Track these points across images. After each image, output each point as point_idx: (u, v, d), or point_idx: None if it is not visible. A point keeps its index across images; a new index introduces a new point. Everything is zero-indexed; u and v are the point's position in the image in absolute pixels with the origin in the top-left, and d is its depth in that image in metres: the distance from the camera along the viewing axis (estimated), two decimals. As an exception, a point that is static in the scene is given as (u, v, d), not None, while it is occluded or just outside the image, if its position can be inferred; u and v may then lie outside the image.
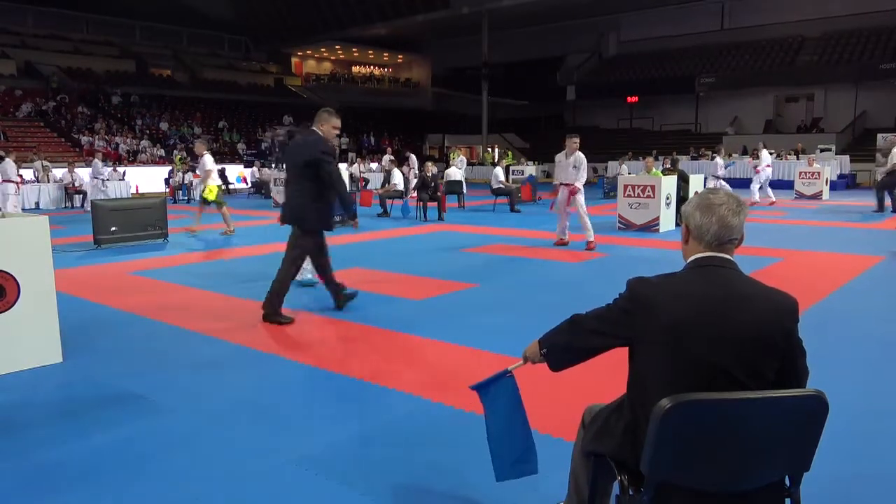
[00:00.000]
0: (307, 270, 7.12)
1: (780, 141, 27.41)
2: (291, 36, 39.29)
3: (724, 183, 14.91)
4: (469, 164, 31.94)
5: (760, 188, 16.15)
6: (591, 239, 9.35)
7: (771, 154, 21.56)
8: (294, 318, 5.57)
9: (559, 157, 9.68)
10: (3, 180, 14.22)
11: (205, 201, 11.37)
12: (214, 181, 11.38)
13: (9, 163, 14.40)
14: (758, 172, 16.18)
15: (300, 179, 5.50)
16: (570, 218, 9.69)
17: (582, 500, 2.16)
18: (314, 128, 5.55)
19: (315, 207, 5.49)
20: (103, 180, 18.42)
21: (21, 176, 15.35)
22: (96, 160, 17.97)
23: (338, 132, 5.65)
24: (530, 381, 2.40)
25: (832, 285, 6.69)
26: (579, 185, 9.48)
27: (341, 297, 5.90)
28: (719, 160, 16.15)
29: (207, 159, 11.31)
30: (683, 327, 1.75)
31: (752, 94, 32.50)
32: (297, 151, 5.60)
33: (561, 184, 9.62)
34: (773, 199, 16.10)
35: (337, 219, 6.28)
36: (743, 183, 18.71)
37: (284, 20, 38.02)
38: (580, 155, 9.46)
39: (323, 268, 5.84)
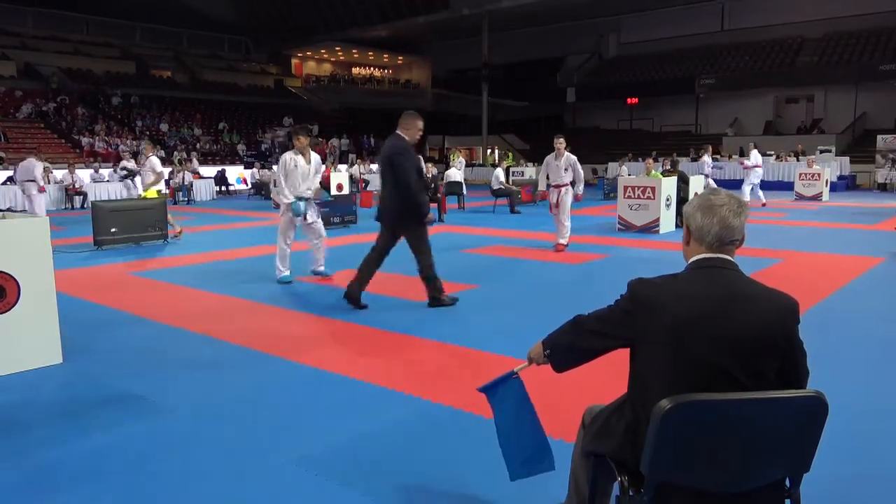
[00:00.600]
0: (284, 268, 7.22)
1: (779, 142, 27.38)
2: (292, 37, 39.28)
3: (711, 181, 15.05)
4: (469, 165, 31.94)
5: (752, 189, 16.10)
6: (564, 242, 9.38)
7: (769, 155, 21.60)
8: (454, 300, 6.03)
9: (548, 158, 9.66)
10: (25, 180, 13.51)
11: None
12: (157, 185, 10.90)
13: (33, 162, 13.59)
14: (746, 167, 16.09)
15: (390, 184, 5.74)
16: (571, 220, 9.69)
17: (582, 500, 2.16)
18: (398, 131, 5.76)
19: (403, 208, 5.72)
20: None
21: (46, 179, 14.68)
22: (124, 161, 18.31)
23: (420, 132, 5.82)
24: (531, 382, 2.40)
25: (833, 286, 6.70)
26: (579, 189, 9.59)
27: (354, 297, 5.96)
28: (706, 159, 16.45)
29: (155, 161, 10.77)
30: (685, 327, 1.75)
31: (751, 95, 32.47)
32: (382, 156, 5.86)
33: (551, 186, 9.61)
34: (764, 200, 16.02)
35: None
36: (733, 184, 18.66)
37: (285, 21, 38.01)
38: (571, 156, 9.46)
39: (368, 263, 5.98)
